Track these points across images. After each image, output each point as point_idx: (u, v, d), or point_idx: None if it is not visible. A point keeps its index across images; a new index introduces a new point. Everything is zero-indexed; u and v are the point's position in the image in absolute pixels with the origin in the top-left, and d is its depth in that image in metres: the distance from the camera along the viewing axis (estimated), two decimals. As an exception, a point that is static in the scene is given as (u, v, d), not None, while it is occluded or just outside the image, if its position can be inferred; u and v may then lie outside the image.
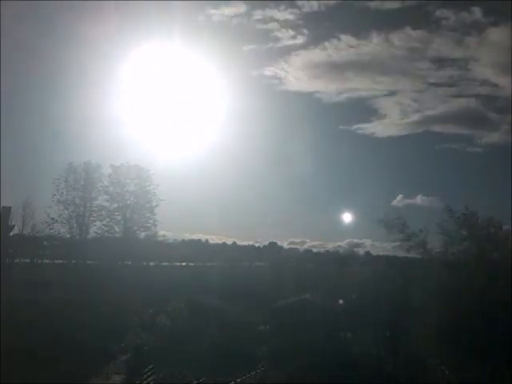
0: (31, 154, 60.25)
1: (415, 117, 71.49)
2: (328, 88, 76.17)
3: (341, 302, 32.04)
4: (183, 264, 54.21)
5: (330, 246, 66.07)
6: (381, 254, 59.75)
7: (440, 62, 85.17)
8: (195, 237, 65.75)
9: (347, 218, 49.28)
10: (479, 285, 16.41)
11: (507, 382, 16.23)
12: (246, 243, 67.69)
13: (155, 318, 24.24)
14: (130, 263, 44.15)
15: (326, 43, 72.41)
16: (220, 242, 64.93)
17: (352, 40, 70.66)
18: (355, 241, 62.64)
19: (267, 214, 79.17)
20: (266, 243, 68.78)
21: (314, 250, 67.73)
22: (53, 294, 26.24)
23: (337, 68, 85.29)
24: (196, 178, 71.45)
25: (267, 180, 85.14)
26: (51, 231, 41.21)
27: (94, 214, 43.99)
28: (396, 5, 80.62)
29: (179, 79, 63.86)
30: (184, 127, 67.52)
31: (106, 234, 43.93)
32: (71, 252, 42.77)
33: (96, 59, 57.88)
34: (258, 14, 69.75)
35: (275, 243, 67.51)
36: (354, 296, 32.90)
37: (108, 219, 44.21)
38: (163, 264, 49.75)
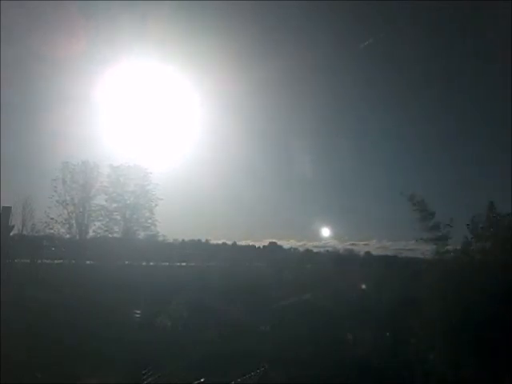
0: (31, 154, 60.33)
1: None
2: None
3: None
4: (183, 264, 54.19)
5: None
6: (381, 254, 59.91)
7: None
8: (195, 237, 65.84)
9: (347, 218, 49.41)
10: (482, 285, 16.31)
11: (508, 383, 16.15)
12: (245, 243, 67.78)
13: (155, 318, 24.18)
14: (129, 263, 44.14)
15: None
16: (220, 242, 65.03)
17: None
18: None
19: (267, 214, 79.15)
20: (266, 243, 68.84)
21: (315, 250, 67.82)
22: (53, 294, 26.23)
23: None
24: (196, 178, 71.48)
25: (268, 180, 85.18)
26: (51, 231, 41.29)
27: (93, 214, 44.08)
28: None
29: (179, 79, 63.81)
30: (183, 127, 67.59)
31: (106, 234, 43.96)
32: (71, 252, 42.78)
33: (95, 59, 57.91)
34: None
35: (275, 243, 67.53)
36: (354, 296, 32.88)
37: (107, 219, 44.31)
38: (163, 264, 49.74)
